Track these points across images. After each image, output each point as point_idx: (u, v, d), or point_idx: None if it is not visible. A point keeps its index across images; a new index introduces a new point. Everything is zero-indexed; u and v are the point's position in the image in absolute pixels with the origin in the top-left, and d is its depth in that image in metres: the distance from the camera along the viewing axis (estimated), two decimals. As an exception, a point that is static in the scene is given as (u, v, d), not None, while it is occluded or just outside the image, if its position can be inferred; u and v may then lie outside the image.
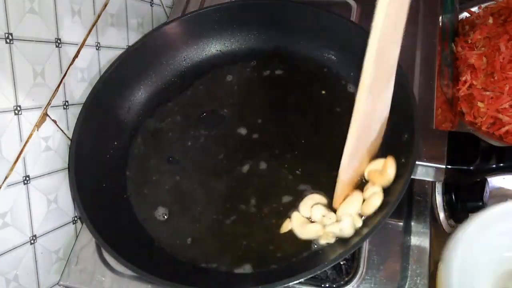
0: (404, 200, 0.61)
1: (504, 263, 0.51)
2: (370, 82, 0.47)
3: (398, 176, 0.54)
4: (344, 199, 0.56)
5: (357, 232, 0.52)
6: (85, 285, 0.60)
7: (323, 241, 0.54)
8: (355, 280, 0.57)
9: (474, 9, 0.83)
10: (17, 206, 0.56)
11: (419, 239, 0.58)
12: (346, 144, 0.51)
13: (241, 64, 0.73)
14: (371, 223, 0.52)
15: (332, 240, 0.54)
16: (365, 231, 0.51)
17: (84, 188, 0.59)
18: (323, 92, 0.68)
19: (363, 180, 0.57)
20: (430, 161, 0.57)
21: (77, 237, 0.65)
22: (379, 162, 0.56)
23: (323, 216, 0.56)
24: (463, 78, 0.74)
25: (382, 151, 0.57)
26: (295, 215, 0.58)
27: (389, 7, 0.44)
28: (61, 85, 0.63)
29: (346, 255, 0.50)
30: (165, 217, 0.61)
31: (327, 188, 0.59)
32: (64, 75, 0.63)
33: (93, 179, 0.61)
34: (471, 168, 0.57)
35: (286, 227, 0.58)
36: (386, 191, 0.54)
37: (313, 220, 0.57)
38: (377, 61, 0.46)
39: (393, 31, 0.47)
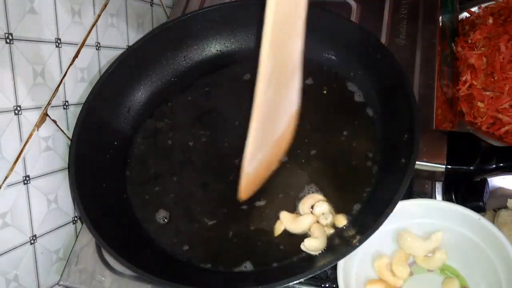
0: (404, 200, 0.61)
1: (380, 256, 0.56)
2: (268, 74, 0.48)
3: (398, 176, 0.54)
4: (250, 191, 0.58)
5: (358, 231, 0.52)
6: (85, 285, 0.60)
7: (313, 250, 0.54)
8: (355, 280, 0.56)
9: (474, 9, 0.83)
10: (17, 206, 0.56)
11: (419, 239, 0.58)
12: (249, 136, 0.51)
13: (241, 64, 0.73)
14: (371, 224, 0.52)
15: (320, 246, 0.54)
16: (365, 232, 0.51)
17: (84, 188, 0.59)
18: (324, 92, 0.68)
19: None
20: (430, 161, 0.57)
21: (77, 237, 0.65)
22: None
23: (322, 214, 0.56)
24: (463, 78, 0.74)
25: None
26: (283, 214, 0.58)
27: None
28: (61, 85, 0.63)
29: (347, 255, 0.50)
30: (165, 220, 0.61)
31: (329, 188, 0.59)
32: (64, 75, 0.63)
33: (93, 179, 0.61)
34: (471, 168, 0.57)
35: (279, 229, 0.58)
36: (387, 190, 0.54)
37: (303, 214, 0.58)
38: (274, 53, 0.47)
39: (288, 24, 0.48)
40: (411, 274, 0.55)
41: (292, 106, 0.56)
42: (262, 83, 0.48)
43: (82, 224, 0.66)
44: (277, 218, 0.58)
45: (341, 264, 0.53)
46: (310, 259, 0.54)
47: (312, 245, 0.53)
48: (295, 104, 0.57)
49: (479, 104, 0.71)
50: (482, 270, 0.54)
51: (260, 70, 0.48)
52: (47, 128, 0.60)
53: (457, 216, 0.55)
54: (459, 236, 0.55)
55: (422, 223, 0.56)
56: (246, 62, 0.73)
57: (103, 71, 0.68)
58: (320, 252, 0.54)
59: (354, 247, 0.50)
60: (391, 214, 0.50)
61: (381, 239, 0.55)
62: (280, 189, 0.61)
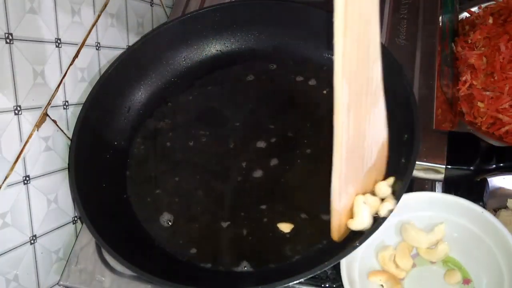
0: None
1: (383, 248, 0.57)
2: (345, 104, 0.44)
3: (398, 176, 0.53)
4: (344, 230, 0.52)
5: (357, 232, 0.52)
6: (85, 285, 0.60)
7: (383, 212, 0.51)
8: (355, 280, 0.56)
9: (474, 9, 0.83)
10: (17, 206, 0.56)
11: (419, 239, 0.58)
12: (333, 171, 0.47)
13: (241, 64, 0.73)
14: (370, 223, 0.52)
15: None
16: (365, 232, 0.51)
17: (84, 188, 0.59)
18: (324, 92, 0.68)
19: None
20: (430, 161, 0.57)
21: (77, 237, 0.65)
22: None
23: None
24: (463, 78, 0.74)
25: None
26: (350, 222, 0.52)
27: (348, 21, 0.41)
28: (61, 85, 0.63)
29: (347, 255, 0.50)
30: (170, 223, 0.61)
31: (329, 189, 0.59)
32: (64, 75, 0.63)
33: (93, 179, 0.61)
34: (471, 168, 0.57)
35: (286, 227, 0.58)
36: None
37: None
38: (349, 80, 0.44)
39: (361, 47, 0.44)
40: (414, 265, 0.56)
41: (380, 133, 0.52)
42: (340, 114, 0.44)
43: (82, 224, 0.66)
44: (279, 219, 0.58)
45: None
46: (310, 259, 0.54)
47: (359, 224, 0.51)
48: (384, 131, 0.52)
49: (479, 104, 0.71)
50: (484, 262, 0.54)
51: (335, 101, 0.44)
52: (47, 128, 0.60)
53: (460, 209, 0.55)
54: (462, 229, 0.56)
55: (425, 215, 0.57)
56: (246, 62, 0.73)
57: (103, 71, 0.68)
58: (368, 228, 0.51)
59: (354, 247, 0.50)
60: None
61: (385, 231, 0.55)
62: (283, 190, 0.61)
